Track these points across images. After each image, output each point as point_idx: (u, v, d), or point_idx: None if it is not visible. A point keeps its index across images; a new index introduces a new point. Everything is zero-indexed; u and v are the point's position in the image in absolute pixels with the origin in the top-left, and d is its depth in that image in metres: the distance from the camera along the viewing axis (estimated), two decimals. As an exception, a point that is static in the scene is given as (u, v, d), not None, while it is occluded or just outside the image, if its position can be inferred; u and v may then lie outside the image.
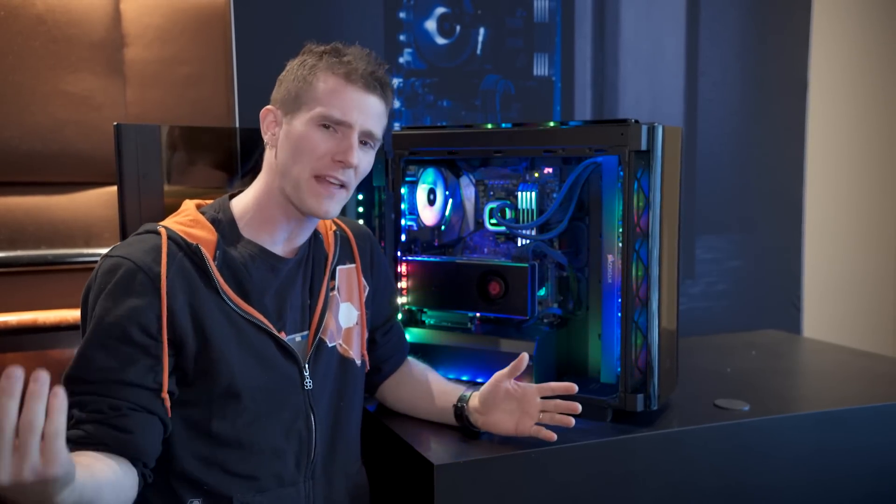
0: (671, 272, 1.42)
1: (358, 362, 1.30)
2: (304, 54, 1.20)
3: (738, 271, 2.22)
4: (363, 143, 1.18)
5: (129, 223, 1.45)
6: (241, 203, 1.20)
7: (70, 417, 0.99)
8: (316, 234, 1.27)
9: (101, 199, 1.86)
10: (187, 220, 1.16)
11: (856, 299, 2.58)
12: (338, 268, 1.28)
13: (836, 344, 2.03)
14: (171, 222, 1.16)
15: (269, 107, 1.20)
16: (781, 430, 1.42)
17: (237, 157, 1.57)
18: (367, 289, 1.34)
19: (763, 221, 2.24)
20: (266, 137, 1.20)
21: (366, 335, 1.33)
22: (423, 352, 1.51)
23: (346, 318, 1.28)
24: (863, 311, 2.60)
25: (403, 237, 1.58)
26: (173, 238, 1.12)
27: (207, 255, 1.12)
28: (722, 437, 1.38)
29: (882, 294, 2.63)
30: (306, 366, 1.19)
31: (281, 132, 1.17)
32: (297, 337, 1.21)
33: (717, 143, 2.18)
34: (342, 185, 1.16)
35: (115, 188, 1.86)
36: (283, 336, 1.17)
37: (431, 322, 1.57)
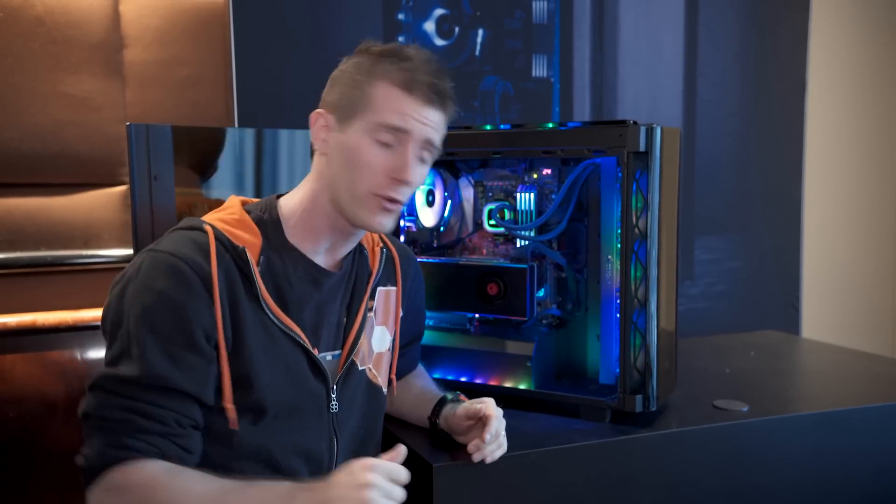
0: (670, 273, 1.42)
1: (385, 390, 1.25)
2: (359, 54, 1.12)
3: (737, 272, 2.22)
4: (421, 156, 1.11)
5: (140, 225, 1.42)
6: (289, 206, 1.13)
7: (129, 422, 0.96)
8: (361, 249, 1.21)
9: (100, 201, 1.86)
10: (232, 220, 1.10)
11: (854, 300, 2.58)
12: (378, 288, 1.23)
13: (835, 345, 2.03)
14: (216, 219, 1.09)
15: (319, 110, 1.12)
16: (780, 430, 1.42)
17: (249, 158, 1.57)
18: (401, 313, 1.29)
19: (762, 222, 2.25)
20: (316, 143, 1.12)
21: (395, 363, 1.28)
22: (422, 353, 1.51)
23: (379, 342, 1.23)
24: (861, 312, 2.60)
25: (402, 238, 1.58)
26: (219, 238, 1.05)
27: (252, 259, 1.06)
28: (721, 437, 1.38)
29: (880, 295, 2.64)
30: (334, 387, 1.14)
31: (333, 139, 1.10)
32: (329, 356, 1.15)
33: (716, 144, 2.18)
34: (398, 202, 1.11)
35: (114, 189, 1.87)
36: (316, 353, 1.11)
37: (430, 323, 1.57)
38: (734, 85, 2.19)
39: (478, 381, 1.48)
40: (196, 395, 1.00)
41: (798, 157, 2.28)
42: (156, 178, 1.44)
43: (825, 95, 2.43)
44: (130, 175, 1.42)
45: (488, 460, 1.18)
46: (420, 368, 1.42)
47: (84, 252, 1.83)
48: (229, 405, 1.03)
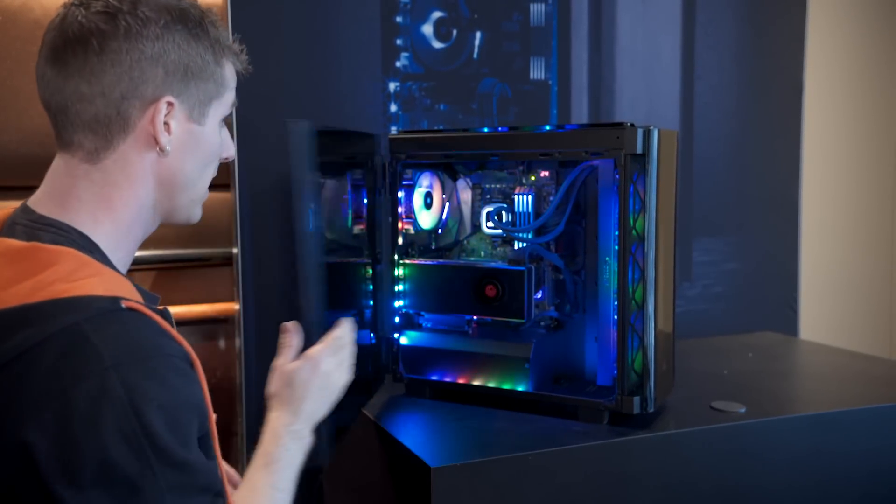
0: (667, 274, 1.42)
1: None
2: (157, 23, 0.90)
3: (735, 273, 2.22)
4: None
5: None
6: (103, 229, 0.92)
7: None
8: None
9: (98, 204, 1.86)
10: (113, 280, 0.86)
11: (852, 301, 2.58)
12: None
13: (833, 346, 2.03)
14: (105, 290, 0.80)
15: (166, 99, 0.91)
16: (778, 431, 1.42)
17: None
18: None
19: (759, 224, 2.25)
20: (159, 140, 0.92)
21: None
22: (419, 355, 1.51)
23: None
24: (859, 314, 2.60)
25: (400, 240, 1.58)
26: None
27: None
28: (718, 439, 1.38)
29: (878, 296, 2.64)
30: None
31: (179, 132, 0.94)
32: None
33: (714, 146, 2.19)
34: None
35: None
36: None
37: (428, 325, 1.58)
38: (732, 87, 2.19)
39: (476, 382, 1.48)
40: None
41: (795, 158, 2.28)
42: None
43: (822, 97, 2.43)
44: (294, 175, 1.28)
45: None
46: None
47: (83, 255, 1.83)
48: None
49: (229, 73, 0.94)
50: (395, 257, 1.57)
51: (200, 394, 0.79)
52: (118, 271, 0.86)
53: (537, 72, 1.99)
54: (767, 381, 1.69)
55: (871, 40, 2.55)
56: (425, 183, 1.58)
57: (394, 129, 1.83)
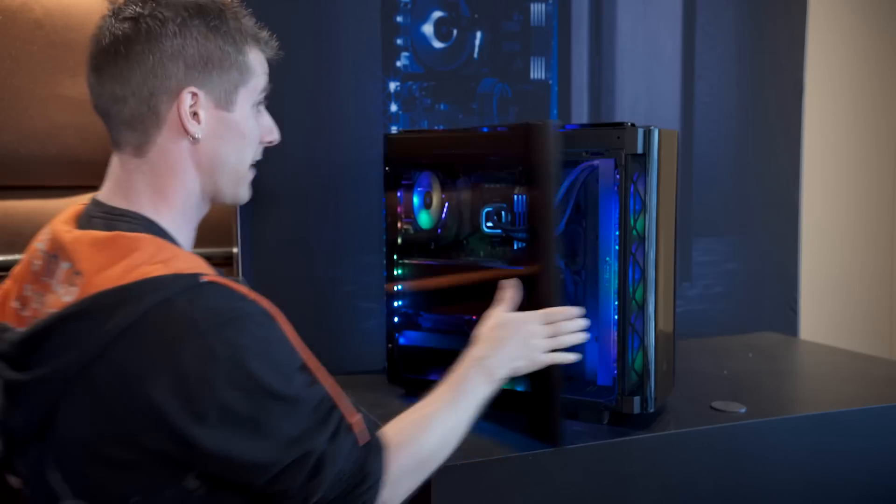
0: (667, 274, 1.42)
1: None
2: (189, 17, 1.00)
3: (735, 274, 2.22)
4: None
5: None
6: (169, 214, 1.03)
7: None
8: None
9: (98, 203, 1.86)
10: (190, 260, 0.97)
11: (852, 302, 2.58)
12: None
13: (833, 346, 2.03)
14: (188, 268, 0.91)
15: (190, 89, 0.99)
16: (778, 432, 1.42)
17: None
18: None
19: (760, 224, 2.25)
20: (188, 129, 1.01)
21: None
22: (419, 355, 1.51)
23: None
24: (859, 314, 2.61)
25: (399, 240, 1.58)
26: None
27: None
28: (718, 439, 1.38)
29: (878, 296, 2.64)
30: None
31: (212, 119, 1.02)
32: None
33: (714, 146, 2.19)
34: None
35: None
36: None
37: (428, 325, 1.57)
38: (732, 87, 2.19)
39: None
40: None
41: (795, 159, 2.28)
42: None
43: (822, 97, 2.43)
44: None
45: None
46: None
47: (83, 254, 1.83)
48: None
49: (254, 60, 1.00)
50: (395, 257, 1.57)
51: (286, 337, 0.90)
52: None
53: (538, 72, 1.99)
54: (767, 382, 1.69)
55: (871, 41, 2.55)
56: (425, 182, 1.58)
57: (394, 129, 1.83)
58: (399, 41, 1.85)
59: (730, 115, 2.20)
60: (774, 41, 2.24)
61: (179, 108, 0.94)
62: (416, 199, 1.58)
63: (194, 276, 0.86)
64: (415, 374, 1.54)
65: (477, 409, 1.11)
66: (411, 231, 1.59)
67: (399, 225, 1.57)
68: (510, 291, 1.24)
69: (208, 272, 0.89)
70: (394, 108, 1.85)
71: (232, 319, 0.84)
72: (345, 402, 0.94)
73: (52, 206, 1.84)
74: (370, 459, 0.95)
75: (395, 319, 1.57)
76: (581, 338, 1.24)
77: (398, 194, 1.57)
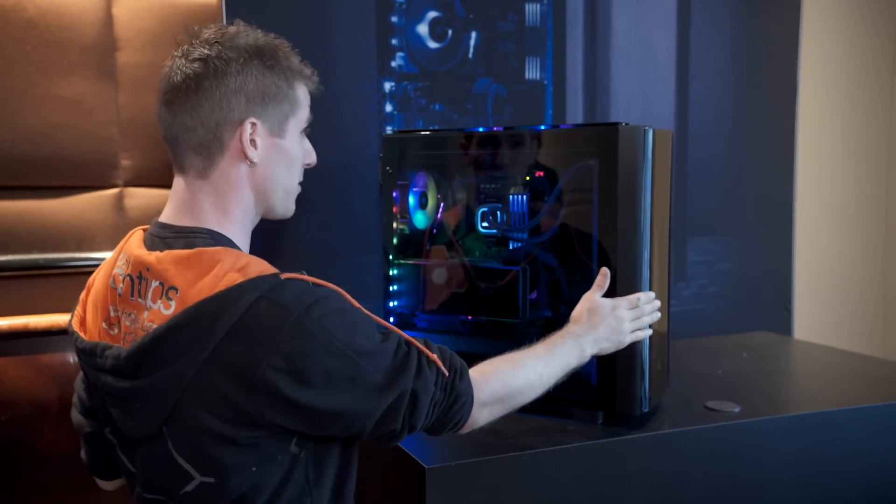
0: (662, 274, 1.42)
1: None
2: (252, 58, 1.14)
3: (730, 273, 2.22)
4: None
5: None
6: (232, 229, 1.15)
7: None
8: None
9: (92, 204, 1.85)
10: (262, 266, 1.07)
11: (846, 301, 2.59)
12: None
13: (827, 346, 2.04)
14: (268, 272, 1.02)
15: (251, 120, 1.12)
16: (772, 431, 1.42)
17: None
18: None
19: (754, 224, 2.25)
20: (246, 153, 1.14)
21: None
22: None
23: None
24: (853, 313, 2.61)
25: (395, 240, 1.58)
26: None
27: None
28: (713, 438, 1.38)
29: (872, 296, 2.65)
30: None
31: (267, 146, 1.14)
32: None
33: (709, 146, 2.19)
34: None
35: (106, 192, 1.87)
36: None
37: (423, 325, 1.57)
38: (726, 87, 2.20)
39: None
40: None
41: (790, 159, 2.29)
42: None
43: (816, 97, 2.44)
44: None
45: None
46: None
47: (76, 255, 1.83)
48: None
49: (301, 93, 1.13)
50: (390, 257, 1.57)
51: (358, 307, 1.05)
52: None
53: (532, 72, 1.99)
54: (762, 381, 1.69)
55: (865, 41, 2.56)
56: (420, 183, 1.58)
57: (389, 129, 1.83)
58: (394, 41, 1.85)
59: (724, 115, 2.20)
60: (768, 42, 2.25)
61: (241, 136, 1.07)
62: (412, 199, 1.58)
63: (275, 276, 0.99)
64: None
65: (563, 372, 1.24)
66: (407, 231, 1.59)
67: (395, 225, 1.57)
68: (602, 278, 1.36)
69: (276, 270, 1.03)
70: (389, 108, 1.85)
71: (315, 302, 0.98)
72: (420, 344, 1.08)
73: (46, 206, 1.83)
74: (457, 383, 1.09)
75: (391, 320, 1.57)
76: (658, 316, 1.39)
77: (408, 195, 1.57)
